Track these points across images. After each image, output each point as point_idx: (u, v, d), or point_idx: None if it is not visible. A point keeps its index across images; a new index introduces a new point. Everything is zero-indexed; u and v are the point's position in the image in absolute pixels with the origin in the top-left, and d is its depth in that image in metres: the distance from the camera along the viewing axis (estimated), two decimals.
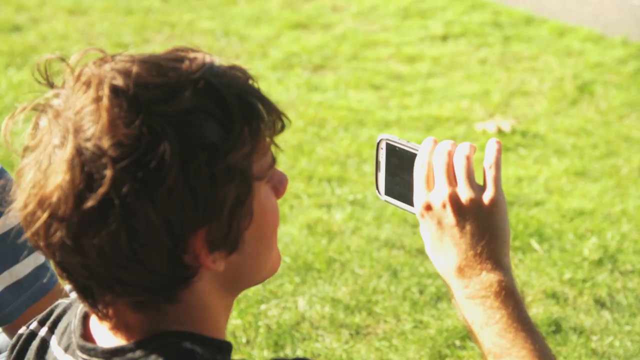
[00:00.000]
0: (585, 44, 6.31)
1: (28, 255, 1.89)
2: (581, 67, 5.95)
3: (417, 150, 1.41)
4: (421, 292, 3.67)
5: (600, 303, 3.61)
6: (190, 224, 1.13)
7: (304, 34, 6.68)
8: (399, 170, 1.46)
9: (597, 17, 6.80)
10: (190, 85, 1.14)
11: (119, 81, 1.12)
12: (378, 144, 1.48)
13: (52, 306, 1.40)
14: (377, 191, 1.51)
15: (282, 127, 1.22)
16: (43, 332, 1.36)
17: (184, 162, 1.11)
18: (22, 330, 1.39)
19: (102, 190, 1.10)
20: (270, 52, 6.32)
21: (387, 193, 1.49)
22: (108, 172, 1.10)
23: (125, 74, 1.13)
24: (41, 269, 1.92)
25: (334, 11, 7.17)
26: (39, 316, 1.39)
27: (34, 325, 1.38)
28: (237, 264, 1.22)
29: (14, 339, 1.38)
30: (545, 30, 6.61)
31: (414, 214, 1.43)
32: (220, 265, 1.19)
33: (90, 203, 1.10)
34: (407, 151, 1.44)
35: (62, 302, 1.39)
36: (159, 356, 1.18)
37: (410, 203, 1.44)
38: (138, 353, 1.19)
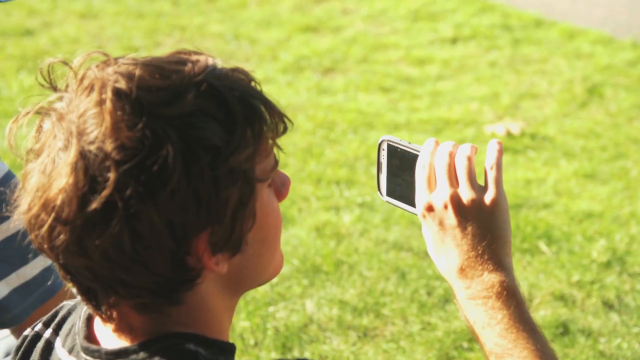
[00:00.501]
0: (595, 47, 6.30)
1: (35, 257, 1.90)
2: (591, 70, 5.95)
3: (418, 151, 1.42)
4: (429, 294, 3.68)
5: (608, 305, 3.61)
6: (193, 226, 1.14)
7: (314, 37, 6.69)
8: (400, 171, 1.46)
9: (607, 20, 6.79)
10: (193, 87, 1.15)
11: (122, 84, 1.13)
12: (380, 145, 1.49)
13: (57, 308, 1.41)
14: (378, 192, 1.52)
15: (285, 129, 1.23)
16: (48, 333, 1.36)
17: (187, 165, 1.12)
18: (27, 331, 1.39)
19: (105, 192, 1.10)
20: (280, 55, 6.33)
21: (389, 194, 1.50)
22: (111, 175, 1.10)
23: (128, 77, 1.14)
24: (48, 270, 1.93)
25: (344, 14, 7.18)
26: (44, 318, 1.40)
27: (38, 326, 1.39)
28: (240, 266, 1.23)
29: (19, 340, 1.39)
30: (555, 33, 6.60)
31: (415, 214, 1.44)
32: (223, 267, 1.20)
33: (93, 206, 1.11)
34: (408, 152, 1.44)
35: (67, 304, 1.40)
36: (162, 358, 1.18)
37: (412, 204, 1.44)
38: (142, 355, 1.19)
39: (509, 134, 5.08)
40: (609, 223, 4.17)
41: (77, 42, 6.53)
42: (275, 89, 5.71)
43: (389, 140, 1.47)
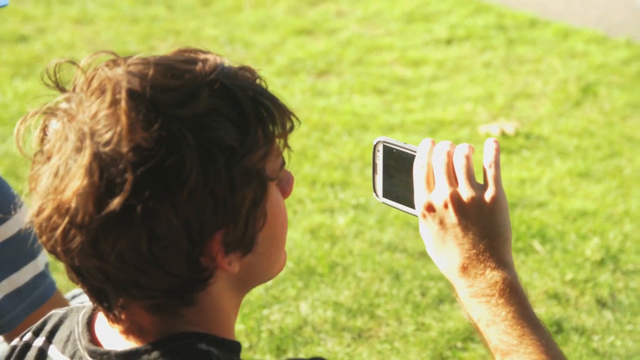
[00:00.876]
0: (589, 46, 6.32)
1: (26, 263, 1.88)
2: (585, 69, 5.96)
3: (414, 152, 1.41)
4: (423, 295, 3.69)
5: (601, 303, 3.63)
6: (209, 227, 1.14)
7: (308, 40, 6.70)
8: (396, 172, 1.47)
9: (601, 19, 6.81)
10: (206, 87, 1.15)
11: (136, 84, 1.12)
12: (375, 146, 1.49)
13: (46, 317, 1.38)
14: (374, 194, 1.52)
15: (292, 128, 1.23)
16: (39, 342, 1.34)
17: (204, 166, 1.12)
18: (16, 342, 1.37)
19: (123, 195, 1.09)
20: (275, 58, 6.34)
21: (385, 195, 1.50)
22: (128, 177, 1.09)
23: (141, 77, 1.13)
24: (40, 277, 1.91)
25: (339, 16, 7.19)
26: (33, 327, 1.37)
27: (28, 336, 1.36)
28: (250, 265, 1.23)
29: (7, 351, 1.36)
30: (549, 33, 6.62)
31: (412, 215, 1.44)
32: (235, 267, 1.20)
33: (111, 208, 1.10)
34: (404, 153, 1.44)
35: (57, 312, 1.38)
36: (175, 358, 1.18)
37: (409, 204, 1.44)
38: (154, 355, 1.19)
39: (504, 134, 5.10)
40: (603, 221, 4.18)
41: (71, 48, 6.53)
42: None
43: (384, 142, 1.47)
